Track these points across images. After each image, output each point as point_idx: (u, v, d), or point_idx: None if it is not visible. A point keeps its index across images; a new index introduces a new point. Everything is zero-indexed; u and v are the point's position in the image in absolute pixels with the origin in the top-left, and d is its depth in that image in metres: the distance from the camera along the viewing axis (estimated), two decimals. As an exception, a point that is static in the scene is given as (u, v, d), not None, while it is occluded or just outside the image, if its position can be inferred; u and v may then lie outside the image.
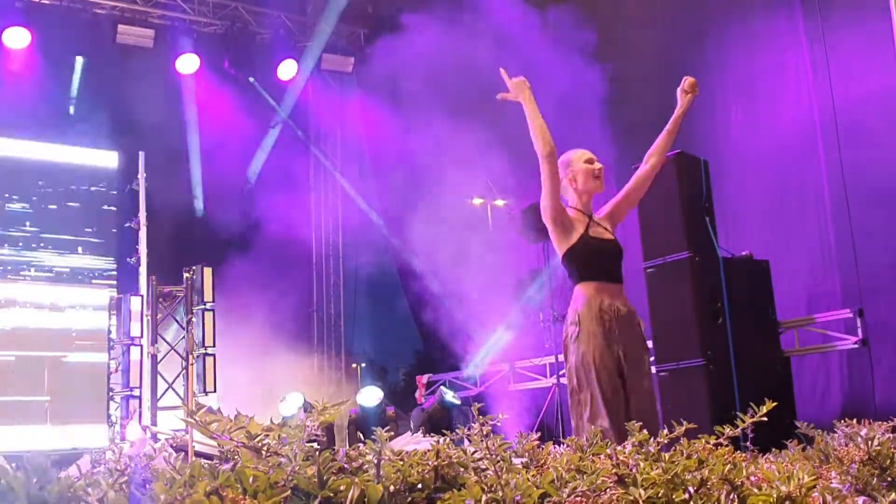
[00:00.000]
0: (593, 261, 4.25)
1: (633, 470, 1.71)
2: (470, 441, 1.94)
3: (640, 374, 4.09)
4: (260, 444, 1.51)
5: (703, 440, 2.14)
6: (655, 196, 6.65)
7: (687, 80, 4.33)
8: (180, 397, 8.67)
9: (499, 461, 1.70)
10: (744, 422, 2.25)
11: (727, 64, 8.36)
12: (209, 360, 8.74)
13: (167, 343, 8.93)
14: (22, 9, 9.84)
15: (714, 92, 8.45)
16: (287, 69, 11.25)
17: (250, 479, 1.37)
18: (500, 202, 9.52)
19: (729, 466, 1.72)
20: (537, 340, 8.76)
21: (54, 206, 10.54)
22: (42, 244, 10.27)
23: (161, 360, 8.80)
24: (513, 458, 1.95)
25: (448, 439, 1.92)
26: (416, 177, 8.88)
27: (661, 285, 6.51)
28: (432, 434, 4.66)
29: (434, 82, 8.75)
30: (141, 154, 9.42)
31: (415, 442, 2.72)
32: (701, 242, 6.42)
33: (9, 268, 9.50)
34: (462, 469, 1.76)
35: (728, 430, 2.23)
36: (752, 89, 8.09)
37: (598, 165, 4.50)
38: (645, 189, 4.53)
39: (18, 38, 9.83)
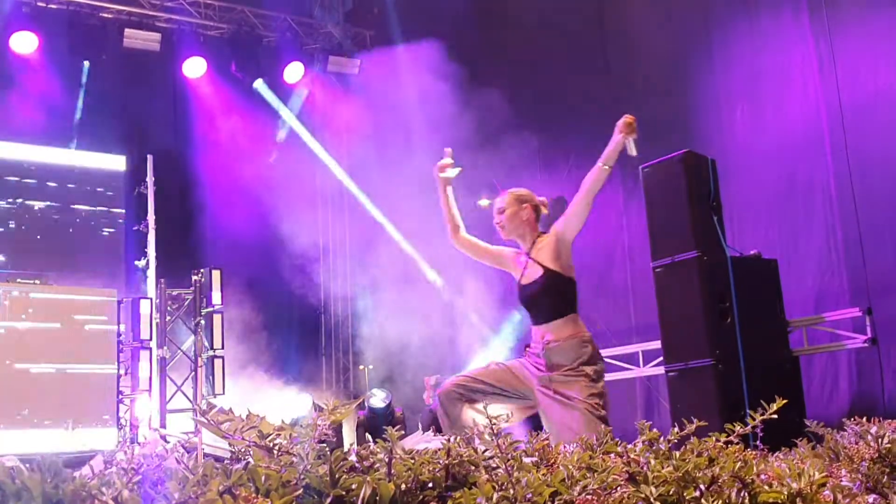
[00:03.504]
0: (525, 307, 4.44)
1: (644, 468, 1.71)
2: (480, 439, 1.95)
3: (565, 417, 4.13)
4: (272, 444, 1.52)
5: (714, 438, 2.14)
6: (663, 195, 6.66)
7: (624, 120, 4.29)
8: (189, 400, 8.69)
9: (509, 459, 1.71)
10: (753, 420, 2.25)
11: (733, 62, 8.34)
12: (217, 362, 8.77)
13: (176, 346, 8.96)
14: (29, 14, 9.89)
15: (720, 90, 8.44)
16: (293, 72, 11.28)
17: (262, 478, 1.38)
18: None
19: (739, 464, 1.72)
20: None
21: (62, 210, 10.59)
22: (51, 248, 10.32)
23: (170, 363, 8.84)
24: (523, 457, 1.95)
25: (459, 438, 1.92)
26: (421, 178, 8.90)
27: (670, 285, 6.51)
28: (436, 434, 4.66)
29: (438, 81, 8.78)
30: (149, 157, 9.46)
31: (425, 441, 2.72)
32: (709, 241, 6.41)
33: (17, 271, 9.53)
34: (473, 467, 1.76)
35: (738, 429, 2.23)
36: (758, 87, 8.08)
37: (496, 219, 4.57)
38: (583, 218, 4.46)
39: (26, 42, 9.88)
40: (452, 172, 4.53)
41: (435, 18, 9.34)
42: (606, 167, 4.30)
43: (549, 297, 4.35)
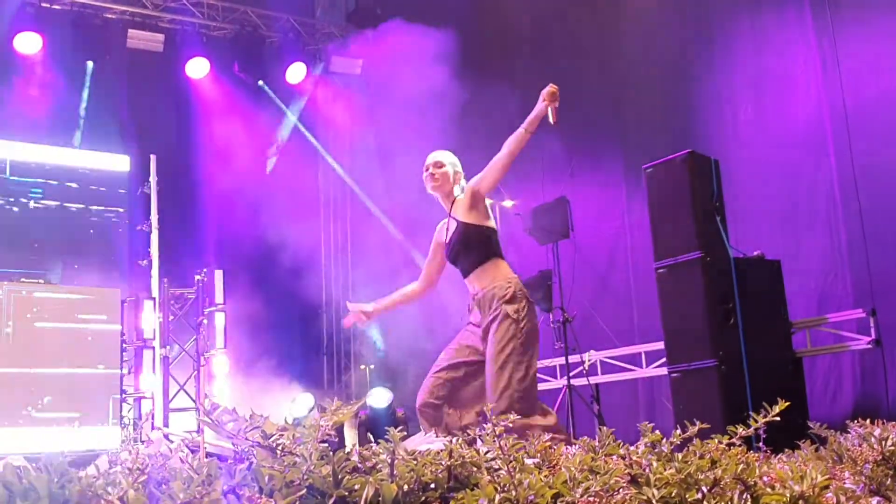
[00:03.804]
0: (453, 264, 4.59)
1: (647, 470, 1.72)
2: (482, 441, 1.95)
3: (489, 349, 4.33)
4: (275, 444, 1.52)
5: (716, 440, 2.14)
6: (666, 196, 6.66)
7: (548, 89, 4.37)
8: (192, 398, 8.71)
9: (512, 461, 1.71)
10: (756, 422, 2.25)
11: (735, 62, 8.34)
12: (220, 361, 8.79)
13: (179, 345, 8.97)
14: (33, 14, 9.89)
15: (722, 91, 8.43)
16: (296, 72, 11.28)
17: (266, 478, 1.38)
18: (508, 202, 9.52)
19: (742, 466, 1.72)
20: (547, 342, 8.75)
21: (66, 210, 10.59)
22: (54, 247, 10.32)
23: (173, 362, 8.85)
24: (525, 459, 1.95)
25: (460, 439, 1.93)
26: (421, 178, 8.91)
27: (673, 286, 6.51)
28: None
29: (440, 82, 8.78)
30: (152, 157, 9.47)
31: (427, 442, 2.73)
32: (712, 242, 6.41)
33: (21, 270, 9.54)
34: (475, 469, 1.77)
35: (741, 431, 2.23)
36: (761, 88, 8.08)
37: (428, 171, 4.68)
38: (498, 179, 4.61)
39: (30, 43, 9.88)
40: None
41: (437, 19, 9.35)
42: (527, 133, 4.43)
43: (468, 248, 4.50)
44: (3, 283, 6.95)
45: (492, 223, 4.56)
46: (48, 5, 10.07)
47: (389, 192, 10.45)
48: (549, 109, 4.33)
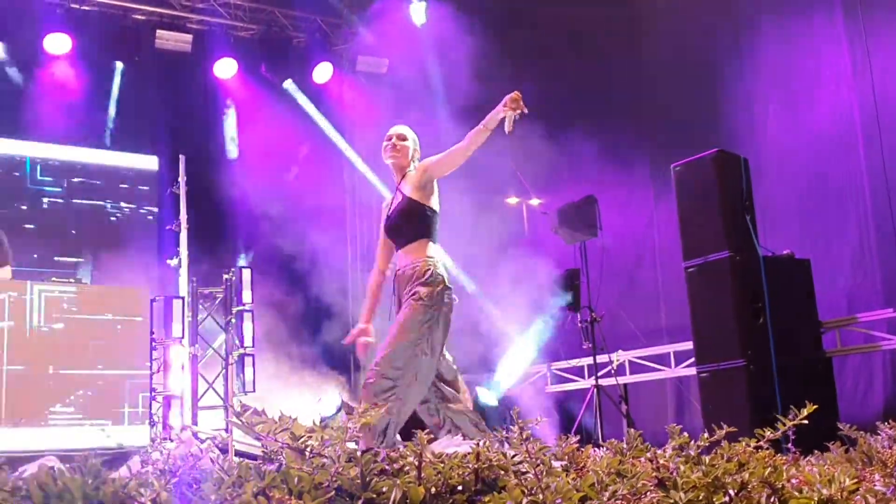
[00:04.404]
0: (389, 235, 4.61)
1: (674, 473, 1.72)
2: (509, 444, 1.95)
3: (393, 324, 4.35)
4: (304, 446, 1.53)
5: (744, 443, 2.13)
6: (695, 195, 6.62)
7: (511, 95, 4.34)
8: (221, 397, 8.77)
9: (539, 464, 1.71)
10: (784, 424, 2.24)
11: (763, 62, 8.28)
12: (248, 360, 8.84)
13: (207, 344, 9.03)
14: (63, 15, 10.01)
15: (751, 89, 8.38)
16: (322, 72, 11.33)
17: (295, 480, 1.39)
18: (535, 201, 9.50)
19: (769, 469, 1.71)
20: (575, 342, 8.73)
21: (95, 209, 10.72)
22: (85, 247, 10.45)
23: (201, 361, 8.91)
24: (552, 461, 1.96)
25: (487, 442, 1.93)
26: (450, 177, 8.90)
27: (702, 285, 6.47)
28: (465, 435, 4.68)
29: (468, 82, 8.77)
30: (181, 157, 9.53)
31: (455, 444, 2.74)
32: (741, 241, 6.37)
33: (52, 270, 9.67)
34: (502, 472, 1.77)
35: (769, 433, 2.22)
36: (790, 87, 8.01)
37: (391, 141, 4.70)
38: (453, 167, 4.57)
39: (60, 44, 10.00)
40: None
41: (464, 17, 9.34)
42: (486, 130, 4.38)
43: (406, 222, 4.50)
44: (35, 283, 7.04)
45: (435, 205, 4.55)
46: (77, 6, 10.18)
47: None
48: (510, 116, 4.30)
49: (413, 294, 4.30)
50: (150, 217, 10.99)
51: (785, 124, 8.00)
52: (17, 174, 10.37)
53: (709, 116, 8.60)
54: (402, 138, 4.70)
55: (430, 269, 4.36)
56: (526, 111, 4.26)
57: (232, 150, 11.15)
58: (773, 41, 8.17)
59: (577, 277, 8.31)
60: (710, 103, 8.66)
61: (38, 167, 10.55)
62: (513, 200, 9.65)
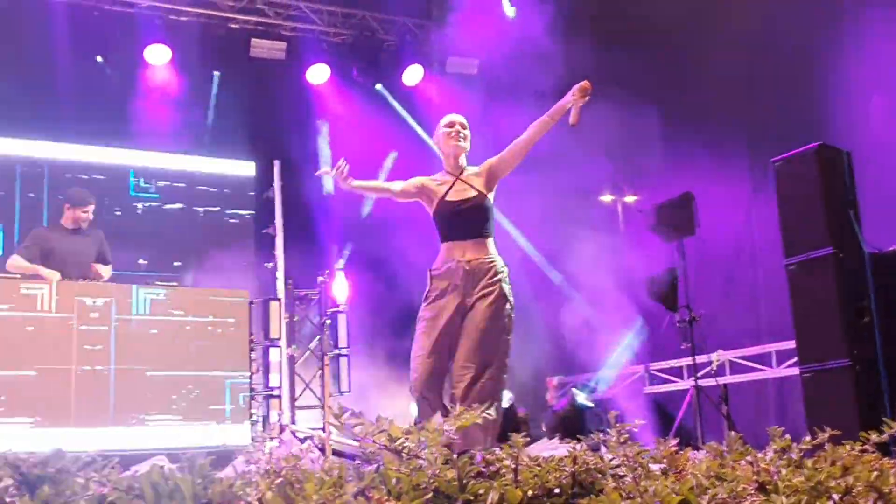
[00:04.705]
0: (447, 222, 4.59)
1: (775, 477, 1.68)
2: (606, 446, 1.94)
3: (477, 319, 4.37)
4: (401, 447, 1.55)
5: (849, 446, 2.07)
6: (796, 190, 6.45)
7: (581, 84, 4.28)
8: (318, 397, 8.93)
9: (637, 468, 1.69)
10: (892, 426, 2.16)
11: (866, 51, 8.00)
12: (343, 360, 8.98)
13: (304, 345, 9.21)
14: (161, 26, 10.34)
15: (853, 79, 8.10)
16: (413, 74, 11.41)
17: (394, 481, 1.41)
18: (630, 198, 9.39)
19: (876, 473, 1.66)
20: (673, 342, 8.59)
21: (196, 214, 11.06)
22: (186, 251, 10.78)
23: (298, 361, 9.10)
24: (650, 465, 1.93)
25: (584, 445, 1.92)
26: (542, 175, 8.87)
27: (804, 282, 6.30)
28: (564, 437, 4.69)
29: (561, 80, 8.71)
30: (276, 163, 9.75)
31: (551, 447, 2.73)
32: (845, 237, 6.18)
33: (156, 273, 9.99)
34: (599, 475, 1.76)
35: (875, 436, 2.15)
36: (894, 77, 7.72)
37: (456, 128, 4.73)
38: (518, 160, 4.69)
39: (159, 54, 10.35)
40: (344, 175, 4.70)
41: (554, 13, 9.29)
42: (551, 120, 4.47)
43: (476, 217, 4.56)
44: (139, 286, 7.29)
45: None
46: (175, 17, 10.49)
47: (507, 189, 10.42)
48: (577, 106, 4.28)
49: (492, 289, 4.40)
50: (248, 221, 11.27)
51: (890, 115, 7.71)
52: (119, 181, 10.76)
53: (808, 109, 8.34)
54: (465, 127, 4.77)
55: (503, 267, 4.51)
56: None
57: (325, 154, 11.33)
58: (877, 27, 7.88)
59: (674, 276, 8.18)
60: (808, 95, 8.41)
61: (139, 174, 10.94)
62: (607, 198, 9.56)
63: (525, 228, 10.61)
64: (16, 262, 6.96)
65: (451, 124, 4.75)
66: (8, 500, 1.24)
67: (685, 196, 8.25)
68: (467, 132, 4.76)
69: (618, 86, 8.44)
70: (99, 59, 10.34)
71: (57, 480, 1.19)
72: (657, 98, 8.98)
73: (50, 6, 9.77)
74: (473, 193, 4.59)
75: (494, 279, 4.43)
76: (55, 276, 6.81)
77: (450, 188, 4.65)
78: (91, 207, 7.25)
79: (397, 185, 4.83)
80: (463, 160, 4.75)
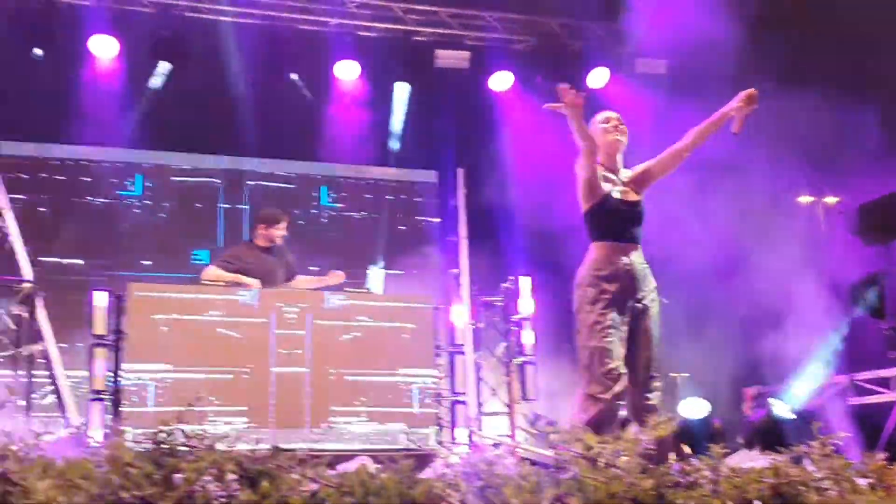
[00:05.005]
0: (612, 222, 4.49)
1: None
2: (809, 459, 1.87)
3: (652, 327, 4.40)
4: (596, 456, 1.55)
5: None
6: None
7: (748, 91, 4.05)
8: (504, 404, 8.98)
9: (842, 481, 1.62)
10: None
11: None
12: (529, 367, 8.97)
13: (489, 351, 9.28)
14: (351, 42, 10.78)
15: None
16: (598, 77, 11.30)
17: (590, 489, 1.41)
18: (831, 199, 8.94)
19: None
20: (878, 350, 8.09)
21: (383, 222, 11.45)
22: (373, 259, 11.17)
23: (484, 368, 9.17)
24: (856, 479, 1.84)
25: (786, 458, 1.86)
26: (736, 176, 8.57)
27: None
28: (762, 449, 4.56)
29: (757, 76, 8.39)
30: (460, 171, 9.92)
31: (750, 459, 2.65)
32: None
33: (347, 280, 10.38)
34: (802, 488, 1.69)
35: None
36: None
37: (613, 122, 4.67)
38: (675, 166, 4.58)
39: (349, 70, 10.80)
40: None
41: (748, 10, 8.95)
42: (713, 127, 4.36)
43: (641, 221, 4.53)
44: (330, 294, 7.61)
45: None
46: (364, 34, 10.90)
47: (698, 191, 10.12)
48: (739, 114, 4.09)
49: (655, 297, 4.47)
50: (433, 229, 11.54)
51: None
52: (311, 193, 11.31)
53: None
54: (622, 122, 4.75)
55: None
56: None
57: (509, 161, 11.42)
58: None
59: (880, 281, 7.71)
60: None
61: (328, 184, 11.44)
62: (805, 199, 9.13)
63: (716, 232, 10.28)
64: (214, 272, 7.41)
65: (607, 119, 4.71)
66: (232, 493, 1.34)
67: (892, 196, 7.76)
68: (625, 127, 4.69)
69: (813, 81, 8.05)
70: (293, 76, 10.89)
71: (274, 476, 1.28)
72: (861, 93, 8.48)
73: (243, 26, 10.39)
74: (637, 198, 4.56)
75: (654, 286, 4.46)
76: (256, 283, 7.22)
77: (612, 186, 4.59)
78: (284, 224, 7.63)
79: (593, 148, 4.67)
80: (620, 158, 4.68)
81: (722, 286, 9.85)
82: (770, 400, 8.80)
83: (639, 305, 4.38)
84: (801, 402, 8.92)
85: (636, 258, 4.44)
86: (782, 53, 8.60)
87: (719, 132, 4.42)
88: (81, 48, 9.92)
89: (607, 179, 4.61)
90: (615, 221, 4.53)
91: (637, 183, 4.58)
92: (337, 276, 7.90)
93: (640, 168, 4.64)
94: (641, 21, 10.89)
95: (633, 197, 4.56)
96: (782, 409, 8.48)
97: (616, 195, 4.54)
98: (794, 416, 8.39)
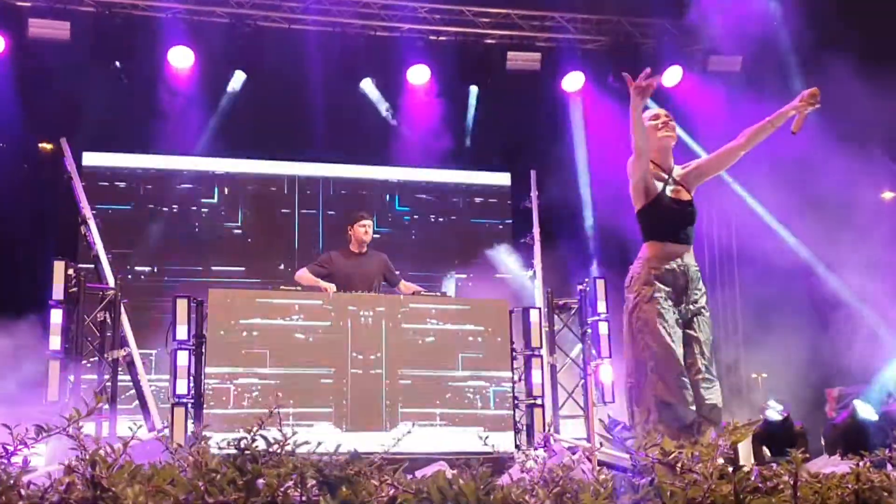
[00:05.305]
0: (666, 220, 4.40)
1: None
2: (892, 464, 1.83)
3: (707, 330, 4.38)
4: (675, 461, 1.54)
5: None
6: None
7: (811, 90, 4.04)
8: (581, 406, 8.92)
9: (932, 488, 1.58)
10: None
11: None
12: (605, 370, 8.90)
13: (565, 353, 9.24)
14: (423, 47, 10.86)
15: None
16: (672, 75, 11.18)
17: (668, 494, 1.41)
18: (887, 195, 8.68)
19: None
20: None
21: (455, 224, 11.50)
22: (446, 260, 11.23)
23: (560, 370, 9.12)
24: (948, 485, 1.79)
25: (868, 462, 1.81)
26: (817, 172, 8.38)
27: None
28: (845, 452, 4.43)
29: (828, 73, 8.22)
30: (532, 172, 9.90)
31: (832, 464, 2.59)
32: None
33: (420, 284, 10.46)
34: (886, 494, 1.66)
35: None
36: None
37: (662, 118, 4.56)
38: (727, 165, 4.51)
39: (420, 74, 10.89)
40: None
41: (821, 6, 8.77)
42: (771, 126, 4.21)
43: (693, 221, 4.46)
44: (407, 297, 7.68)
45: None
46: (435, 38, 10.97)
47: (776, 190, 9.92)
48: (800, 113, 3.94)
49: (706, 299, 4.42)
50: (506, 230, 11.54)
51: None
52: (385, 197, 11.43)
53: None
54: (671, 118, 4.66)
55: None
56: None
57: (580, 163, 11.37)
58: None
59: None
60: None
61: (402, 188, 11.54)
62: (888, 195, 8.89)
63: (795, 230, 10.07)
64: (303, 274, 7.62)
65: (656, 116, 4.64)
66: (312, 498, 1.37)
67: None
68: (674, 123, 4.63)
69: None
70: (368, 80, 11.03)
71: (353, 482, 1.31)
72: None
73: (315, 33, 10.53)
74: (688, 197, 4.49)
75: (704, 289, 4.43)
76: (332, 287, 7.32)
77: (665, 184, 4.50)
78: (365, 222, 7.72)
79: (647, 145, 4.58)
80: (670, 156, 4.61)
81: (803, 284, 9.64)
82: (854, 401, 8.57)
83: (692, 307, 4.32)
84: (887, 403, 8.68)
85: (689, 260, 4.37)
86: (859, 44, 8.38)
87: (778, 131, 4.29)
88: (160, 60, 10.19)
89: (659, 178, 4.52)
90: (669, 221, 4.45)
91: (688, 180, 4.49)
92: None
93: (691, 165, 4.56)
94: (713, 17, 10.74)
95: (685, 196, 4.47)
96: (867, 410, 8.25)
97: (669, 193, 4.46)
98: (878, 418, 8.16)
